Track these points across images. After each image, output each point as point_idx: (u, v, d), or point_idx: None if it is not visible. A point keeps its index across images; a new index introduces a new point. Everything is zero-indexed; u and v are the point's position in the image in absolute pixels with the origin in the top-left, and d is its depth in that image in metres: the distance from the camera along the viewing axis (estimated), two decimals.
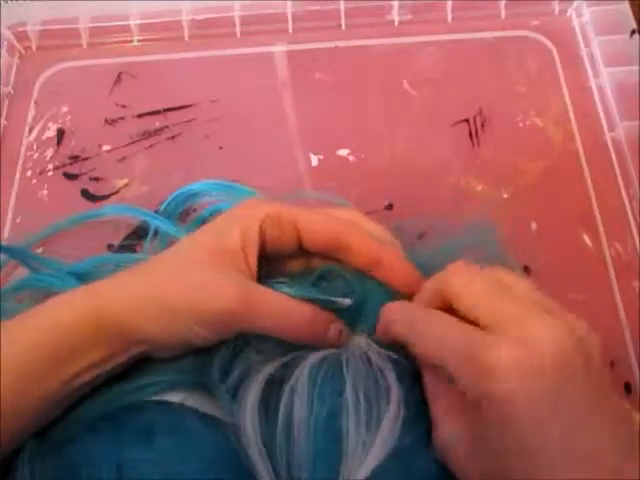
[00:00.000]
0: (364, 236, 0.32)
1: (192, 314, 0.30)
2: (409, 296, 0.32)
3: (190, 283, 0.30)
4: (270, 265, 0.33)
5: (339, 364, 0.30)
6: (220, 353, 0.31)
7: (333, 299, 0.32)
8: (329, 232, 0.32)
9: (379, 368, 0.30)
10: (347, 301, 0.32)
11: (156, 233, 0.42)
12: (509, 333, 0.25)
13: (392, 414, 0.28)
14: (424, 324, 0.28)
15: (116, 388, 0.32)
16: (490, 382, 0.24)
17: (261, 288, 0.31)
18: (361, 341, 0.32)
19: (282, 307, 0.31)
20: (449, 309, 0.28)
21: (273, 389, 0.29)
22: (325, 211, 0.34)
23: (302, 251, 0.33)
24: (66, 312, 0.30)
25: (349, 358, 0.30)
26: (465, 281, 0.28)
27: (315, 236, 0.32)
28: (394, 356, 0.30)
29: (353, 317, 0.33)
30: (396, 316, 0.30)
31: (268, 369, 0.30)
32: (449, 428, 0.27)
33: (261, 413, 0.28)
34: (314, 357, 0.30)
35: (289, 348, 0.31)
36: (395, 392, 0.29)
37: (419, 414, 0.29)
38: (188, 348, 0.31)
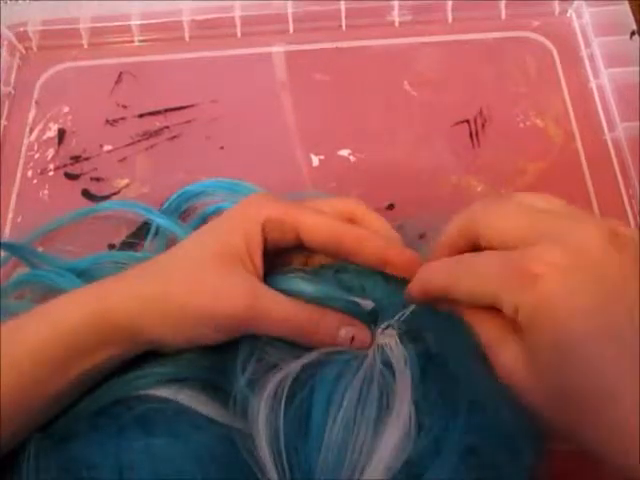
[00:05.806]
0: (367, 239, 0.32)
1: (204, 318, 0.30)
2: None
3: (201, 288, 0.30)
4: (271, 259, 0.33)
5: (356, 371, 0.29)
6: (241, 350, 0.31)
7: (356, 300, 0.32)
8: (330, 236, 0.32)
9: (395, 371, 0.30)
10: (369, 304, 0.32)
11: (157, 232, 0.42)
12: (546, 239, 0.24)
13: (404, 418, 0.28)
14: (463, 266, 0.27)
15: (115, 380, 0.32)
16: (536, 288, 0.23)
17: (270, 292, 0.31)
18: (381, 341, 0.31)
19: (289, 312, 0.31)
20: (474, 249, 0.28)
21: (290, 388, 0.29)
22: (326, 203, 0.34)
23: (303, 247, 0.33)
24: (72, 313, 0.30)
25: (367, 364, 0.30)
26: (493, 209, 0.28)
27: (316, 240, 0.32)
28: (412, 352, 0.30)
29: (371, 315, 0.32)
30: (434, 271, 0.29)
31: (285, 369, 0.30)
32: (505, 355, 0.26)
33: (274, 410, 0.28)
34: (333, 366, 0.30)
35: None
36: (408, 396, 0.29)
37: (434, 410, 0.29)
38: (195, 345, 0.31)
